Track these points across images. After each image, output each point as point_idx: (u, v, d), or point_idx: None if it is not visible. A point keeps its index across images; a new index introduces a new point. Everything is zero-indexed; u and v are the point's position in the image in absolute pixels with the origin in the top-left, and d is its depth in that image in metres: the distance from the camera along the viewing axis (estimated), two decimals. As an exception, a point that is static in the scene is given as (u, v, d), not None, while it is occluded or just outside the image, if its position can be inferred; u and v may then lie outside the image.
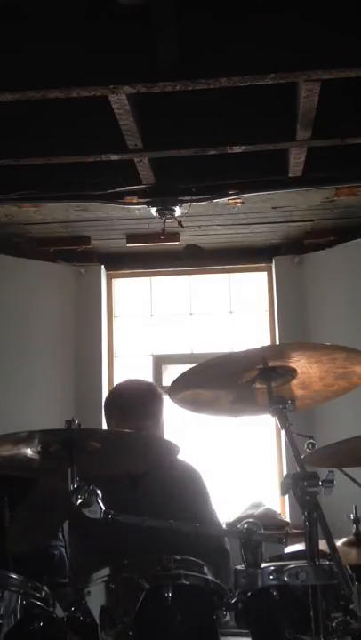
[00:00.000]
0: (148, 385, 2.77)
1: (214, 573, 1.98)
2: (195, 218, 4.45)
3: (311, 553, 1.66)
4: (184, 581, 1.83)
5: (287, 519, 4.72)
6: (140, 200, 4.03)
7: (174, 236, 4.77)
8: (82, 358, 5.20)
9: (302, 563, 1.67)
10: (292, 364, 1.91)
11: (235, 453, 5.10)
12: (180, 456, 2.61)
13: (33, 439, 1.89)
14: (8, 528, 2.43)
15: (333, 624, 1.60)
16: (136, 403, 2.58)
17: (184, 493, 2.55)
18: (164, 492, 2.49)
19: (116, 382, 5.24)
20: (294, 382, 1.96)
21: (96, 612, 1.79)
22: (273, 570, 1.72)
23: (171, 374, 5.07)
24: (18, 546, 2.34)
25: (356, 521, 2.54)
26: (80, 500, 1.74)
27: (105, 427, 2.73)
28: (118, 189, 3.91)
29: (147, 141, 3.32)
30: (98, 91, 2.80)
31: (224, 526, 2.88)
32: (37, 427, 1.88)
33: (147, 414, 2.57)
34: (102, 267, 5.32)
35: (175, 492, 2.52)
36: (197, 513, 2.51)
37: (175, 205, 4.02)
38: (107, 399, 2.74)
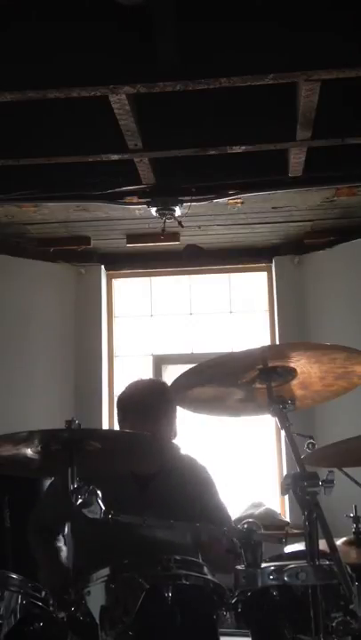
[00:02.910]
0: (163, 384, 2.74)
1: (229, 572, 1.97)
2: (195, 218, 4.45)
3: (311, 553, 1.66)
4: (184, 581, 1.84)
5: (287, 519, 4.71)
6: (140, 200, 4.03)
7: (174, 236, 4.76)
8: (82, 358, 5.20)
9: (302, 563, 1.67)
10: (292, 364, 1.91)
11: (235, 454, 5.09)
12: (184, 451, 2.62)
13: (33, 439, 1.89)
14: (8, 528, 2.43)
15: (333, 624, 1.60)
16: (154, 403, 2.55)
17: (190, 487, 2.54)
18: (171, 491, 2.48)
19: (116, 382, 5.27)
20: (294, 382, 1.96)
21: (96, 612, 1.80)
22: (273, 570, 1.72)
23: (171, 374, 5.07)
24: None
25: (356, 520, 2.54)
26: (80, 500, 1.74)
27: (116, 427, 2.69)
28: (118, 189, 3.91)
29: (147, 141, 3.32)
30: (98, 91, 2.80)
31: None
32: (37, 427, 1.89)
33: (163, 415, 2.55)
34: (102, 267, 5.32)
35: (181, 488, 2.51)
36: (206, 503, 2.53)
37: (175, 205, 4.02)
38: (123, 400, 2.66)
